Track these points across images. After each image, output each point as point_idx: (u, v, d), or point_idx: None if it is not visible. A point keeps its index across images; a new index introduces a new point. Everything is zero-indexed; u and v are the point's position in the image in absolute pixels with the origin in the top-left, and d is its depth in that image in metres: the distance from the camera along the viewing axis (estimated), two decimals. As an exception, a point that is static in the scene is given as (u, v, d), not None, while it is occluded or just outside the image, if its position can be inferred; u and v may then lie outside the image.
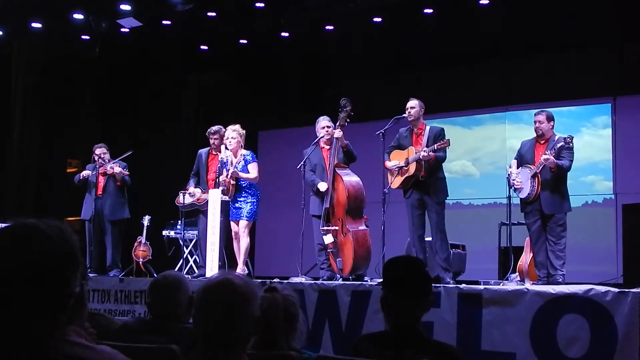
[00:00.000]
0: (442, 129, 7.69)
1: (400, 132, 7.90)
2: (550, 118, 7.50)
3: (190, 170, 9.43)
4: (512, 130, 11.47)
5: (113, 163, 9.60)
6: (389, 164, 7.77)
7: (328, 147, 8.21)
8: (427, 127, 7.70)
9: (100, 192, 9.66)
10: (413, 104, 7.73)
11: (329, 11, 10.48)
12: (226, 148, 8.63)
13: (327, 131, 8.16)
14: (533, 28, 10.30)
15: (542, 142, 7.49)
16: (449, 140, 7.40)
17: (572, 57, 10.86)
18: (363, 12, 10.36)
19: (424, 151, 7.35)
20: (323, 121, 8.28)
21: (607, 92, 10.78)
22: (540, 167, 7.26)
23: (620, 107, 10.76)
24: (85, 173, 9.72)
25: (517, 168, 7.53)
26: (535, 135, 7.57)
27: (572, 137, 7.29)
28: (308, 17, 10.67)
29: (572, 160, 7.33)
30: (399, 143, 7.81)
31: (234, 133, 8.52)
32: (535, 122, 7.53)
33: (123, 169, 9.62)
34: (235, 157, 8.55)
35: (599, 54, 10.72)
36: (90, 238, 9.63)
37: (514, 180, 7.45)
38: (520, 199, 7.48)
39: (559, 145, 7.22)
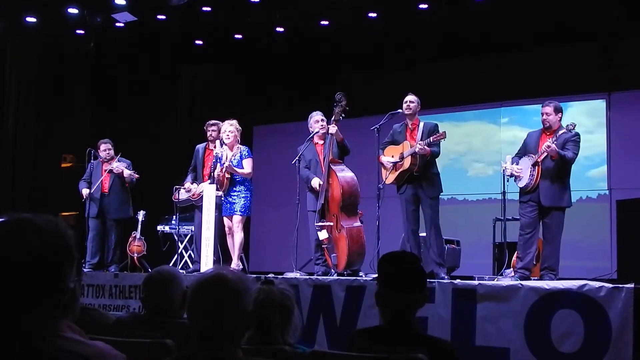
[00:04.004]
0: (436, 125, 7.66)
1: (394, 127, 7.89)
2: (558, 110, 7.29)
3: (186, 165, 9.45)
4: (506, 126, 11.49)
5: (117, 161, 9.59)
6: (383, 158, 7.76)
7: (322, 142, 8.22)
8: (422, 123, 7.69)
9: (106, 190, 9.64)
10: (412, 99, 7.72)
11: (323, 6, 10.47)
12: (222, 143, 8.66)
13: (322, 125, 8.18)
14: (528, 23, 10.29)
15: (548, 133, 7.28)
16: (444, 132, 7.33)
17: (567, 52, 10.86)
18: (358, 7, 10.36)
19: (420, 144, 7.33)
20: (316, 115, 8.31)
21: (602, 87, 10.79)
22: (542, 156, 7.10)
23: (615, 102, 10.78)
24: (85, 193, 9.62)
25: (520, 159, 7.42)
26: (542, 127, 7.37)
27: (574, 125, 7.09)
28: (303, 12, 10.67)
29: (576, 154, 7.13)
30: (393, 139, 7.79)
31: (231, 127, 8.57)
32: (542, 113, 7.32)
33: (128, 167, 9.63)
34: (231, 152, 8.57)
35: (593, 50, 10.73)
36: (93, 234, 9.59)
37: (510, 170, 7.33)
38: (519, 187, 7.34)
39: (561, 132, 7.09)
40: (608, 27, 10.10)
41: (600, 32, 10.27)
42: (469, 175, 11.87)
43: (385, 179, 7.74)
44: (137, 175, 9.60)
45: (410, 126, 7.71)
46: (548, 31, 10.42)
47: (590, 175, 10.80)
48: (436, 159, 7.64)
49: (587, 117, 10.93)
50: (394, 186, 7.77)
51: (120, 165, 9.55)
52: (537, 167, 7.17)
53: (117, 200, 9.65)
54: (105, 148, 9.69)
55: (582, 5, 9.58)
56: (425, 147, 7.31)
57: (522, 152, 7.47)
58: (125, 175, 9.52)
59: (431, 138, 7.32)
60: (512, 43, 10.92)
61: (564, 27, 10.21)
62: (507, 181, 7.51)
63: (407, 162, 7.47)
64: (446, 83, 11.63)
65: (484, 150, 11.84)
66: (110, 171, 9.59)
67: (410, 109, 7.68)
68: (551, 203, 7.15)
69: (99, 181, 9.57)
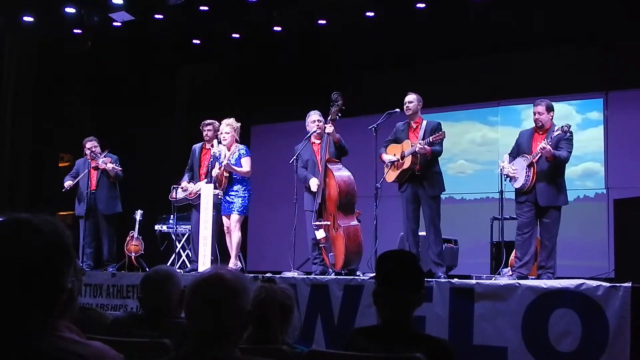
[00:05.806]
0: (439, 123, 7.65)
1: (397, 125, 7.89)
2: (550, 108, 7.32)
3: (183, 165, 9.43)
4: (504, 126, 11.49)
5: (104, 157, 9.57)
6: (385, 157, 7.76)
7: (319, 141, 8.21)
8: (424, 122, 7.69)
9: (94, 187, 9.64)
10: (411, 99, 7.71)
11: (322, 5, 10.46)
12: (219, 142, 8.65)
13: (318, 125, 8.16)
14: (526, 23, 10.30)
15: (541, 132, 7.30)
16: (444, 132, 7.37)
17: (564, 52, 10.86)
18: (356, 6, 10.35)
19: (420, 144, 7.33)
20: (313, 115, 8.28)
21: (599, 86, 10.79)
22: (537, 157, 7.11)
23: (612, 102, 10.78)
24: (67, 184, 9.67)
25: (514, 158, 7.41)
26: (534, 125, 7.40)
27: (570, 126, 7.13)
28: (301, 11, 10.66)
29: (570, 152, 7.17)
30: (396, 137, 7.79)
31: (228, 127, 8.54)
32: (534, 112, 7.34)
33: (114, 162, 9.59)
34: (229, 151, 8.56)
35: (591, 49, 10.72)
36: (84, 233, 9.60)
37: (507, 170, 7.33)
38: (515, 188, 7.35)
39: (556, 134, 7.09)
40: (606, 27, 10.10)
41: (598, 32, 10.26)
42: (467, 175, 11.87)
43: (385, 175, 7.74)
44: (119, 169, 9.57)
45: (412, 125, 7.72)
46: (547, 31, 10.42)
47: (587, 174, 10.80)
48: (438, 158, 7.65)
49: (584, 116, 10.94)
50: (391, 185, 7.77)
51: (105, 161, 9.54)
52: (532, 167, 7.19)
53: (105, 196, 9.65)
54: (91, 145, 9.66)
55: (581, 6, 9.58)
56: (426, 146, 7.31)
57: (516, 152, 7.49)
58: (108, 169, 9.50)
59: (431, 137, 7.32)
60: (511, 43, 10.91)
61: (562, 27, 10.21)
62: (505, 180, 7.51)
63: (407, 161, 7.47)
64: (445, 83, 11.62)
65: (482, 149, 11.84)
66: (97, 167, 9.59)
67: (410, 109, 7.69)
68: (548, 203, 7.17)
69: (86, 178, 9.56)
